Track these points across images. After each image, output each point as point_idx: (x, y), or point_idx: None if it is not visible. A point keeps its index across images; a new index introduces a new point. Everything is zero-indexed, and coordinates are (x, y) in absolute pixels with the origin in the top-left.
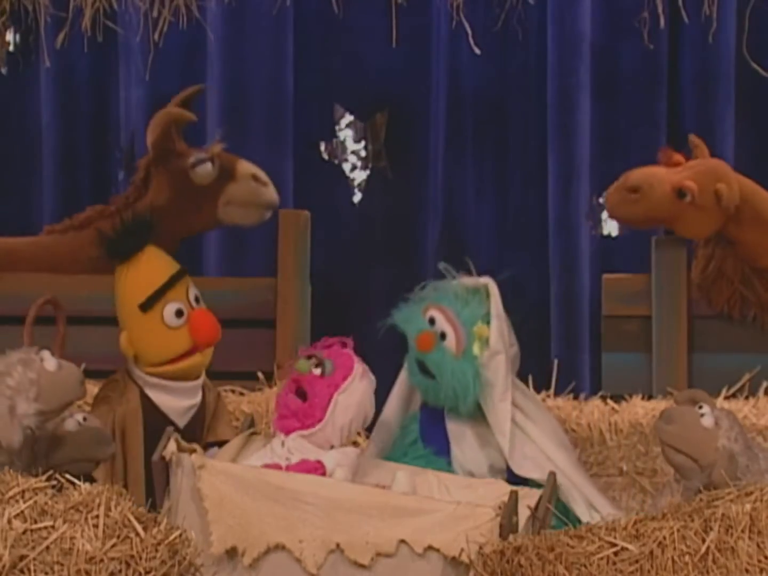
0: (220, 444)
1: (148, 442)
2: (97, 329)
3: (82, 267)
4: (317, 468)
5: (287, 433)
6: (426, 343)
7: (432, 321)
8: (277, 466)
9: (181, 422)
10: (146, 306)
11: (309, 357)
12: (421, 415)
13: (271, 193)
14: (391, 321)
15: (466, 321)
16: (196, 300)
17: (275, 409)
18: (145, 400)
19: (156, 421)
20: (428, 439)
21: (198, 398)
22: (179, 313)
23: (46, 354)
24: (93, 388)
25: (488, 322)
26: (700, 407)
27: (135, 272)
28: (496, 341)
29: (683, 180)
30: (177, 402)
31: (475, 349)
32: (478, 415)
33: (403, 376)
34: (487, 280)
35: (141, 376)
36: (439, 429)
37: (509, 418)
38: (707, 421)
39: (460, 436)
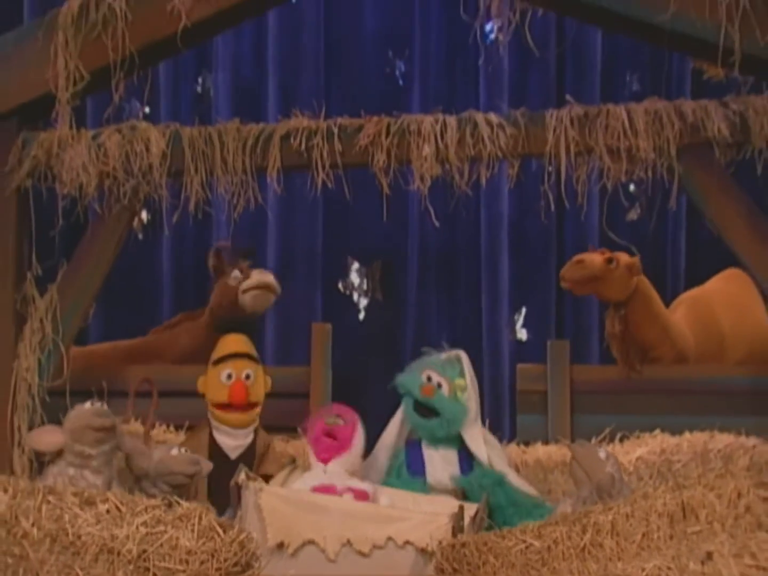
0: (264, 476)
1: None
2: (184, 399)
3: (173, 353)
4: (365, 495)
5: (326, 462)
6: (430, 391)
7: (429, 378)
8: (330, 489)
9: (233, 455)
10: (216, 363)
11: (332, 417)
12: (406, 448)
13: (260, 276)
14: (397, 382)
15: (451, 377)
16: (247, 377)
17: (313, 449)
18: (211, 437)
19: (216, 452)
20: (411, 463)
21: (246, 441)
22: (229, 377)
23: (93, 408)
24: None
25: (462, 377)
26: (599, 448)
27: (221, 343)
28: (470, 388)
29: (610, 253)
30: (230, 441)
31: (458, 393)
32: (445, 445)
33: (394, 422)
34: (458, 351)
35: (213, 422)
36: (419, 456)
37: (481, 435)
38: (602, 455)
39: (432, 459)
